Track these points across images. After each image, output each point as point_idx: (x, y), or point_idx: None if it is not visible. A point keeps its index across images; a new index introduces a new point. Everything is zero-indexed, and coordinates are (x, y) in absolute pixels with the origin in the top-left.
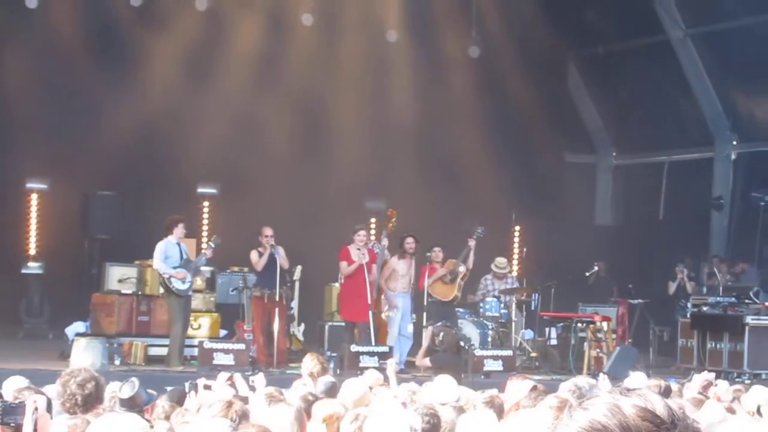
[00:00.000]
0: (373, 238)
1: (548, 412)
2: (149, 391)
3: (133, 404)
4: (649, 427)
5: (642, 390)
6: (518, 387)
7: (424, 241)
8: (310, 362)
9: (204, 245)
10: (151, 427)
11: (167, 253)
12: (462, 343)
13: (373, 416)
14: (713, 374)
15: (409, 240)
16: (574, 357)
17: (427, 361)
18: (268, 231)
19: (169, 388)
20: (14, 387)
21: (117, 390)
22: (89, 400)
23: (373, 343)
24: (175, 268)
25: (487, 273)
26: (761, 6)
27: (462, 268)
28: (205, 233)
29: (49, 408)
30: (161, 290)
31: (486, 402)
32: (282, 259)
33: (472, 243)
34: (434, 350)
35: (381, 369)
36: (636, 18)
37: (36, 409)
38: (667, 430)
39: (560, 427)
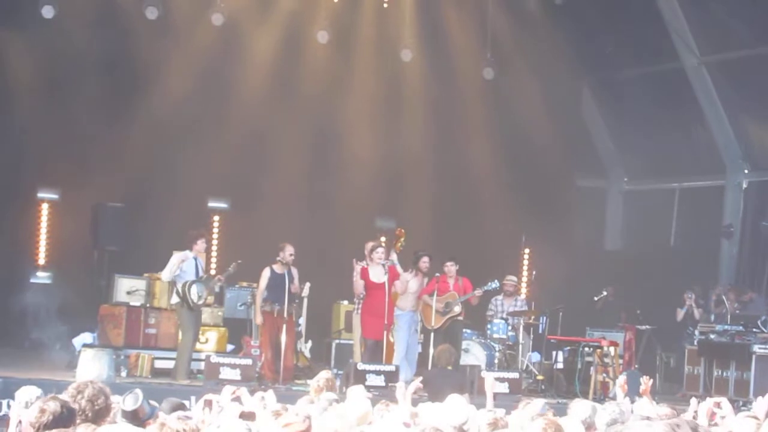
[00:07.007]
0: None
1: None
2: (152, 403)
3: (135, 417)
4: None
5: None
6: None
7: (434, 260)
8: (318, 378)
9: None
10: None
11: (183, 267)
12: (453, 359)
13: None
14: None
15: (425, 259)
16: (580, 381)
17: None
18: (291, 249)
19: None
20: (27, 396)
21: (120, 401)
22: (99, 414)
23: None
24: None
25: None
26: None
27: (458, 309)
28: (215, 247)
29: (71, 416)
30: (174, 300)
31: (489, 424)
32: (295, 280)
33: (479, 292)
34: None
35: (390, 390)
36: (651, 44)
37: (20, 422)
38: None
39: None
